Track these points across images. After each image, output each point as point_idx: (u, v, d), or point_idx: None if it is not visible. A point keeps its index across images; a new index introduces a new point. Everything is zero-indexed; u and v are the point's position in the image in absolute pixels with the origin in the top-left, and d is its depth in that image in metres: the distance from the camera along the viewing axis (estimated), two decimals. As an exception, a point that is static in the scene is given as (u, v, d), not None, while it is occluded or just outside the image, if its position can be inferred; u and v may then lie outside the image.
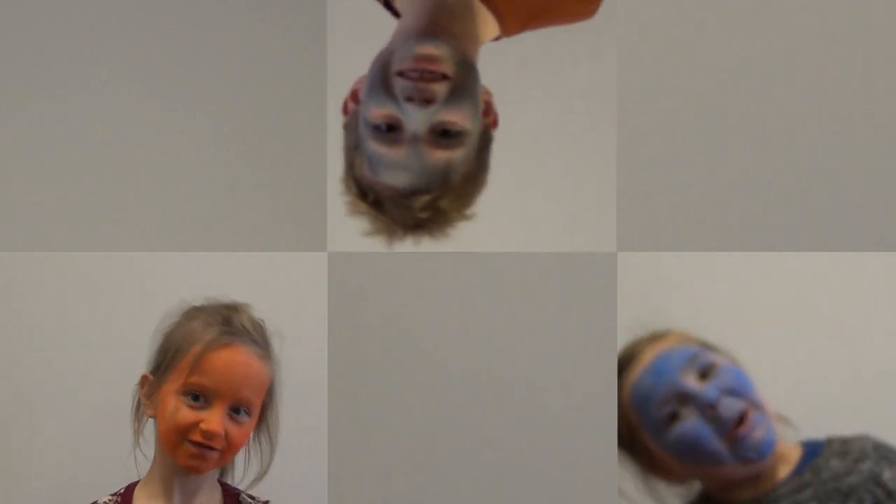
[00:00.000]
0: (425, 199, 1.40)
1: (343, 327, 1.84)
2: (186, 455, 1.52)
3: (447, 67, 1.36)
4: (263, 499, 1.63)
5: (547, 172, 1.91)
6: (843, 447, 1.56)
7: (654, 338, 1.60)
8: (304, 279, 1.87)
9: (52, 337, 1.85)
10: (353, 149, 1.45)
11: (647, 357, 1.58)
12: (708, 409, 1.51)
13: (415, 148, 1.38)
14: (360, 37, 1.88)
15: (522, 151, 1.85)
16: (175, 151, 1.86)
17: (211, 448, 1.51)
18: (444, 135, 1.38)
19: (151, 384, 1.56)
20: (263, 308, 1.89)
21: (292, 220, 1.84)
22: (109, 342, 1.82)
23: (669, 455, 1.55)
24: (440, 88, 1.36)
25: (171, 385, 1.53)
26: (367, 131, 1.41)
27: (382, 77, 1.38)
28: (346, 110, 1.48)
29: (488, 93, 1.46)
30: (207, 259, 1.87)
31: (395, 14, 1.53)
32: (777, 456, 1.55)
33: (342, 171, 1.48)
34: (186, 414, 1.51)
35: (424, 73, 1.35)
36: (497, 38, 1.51)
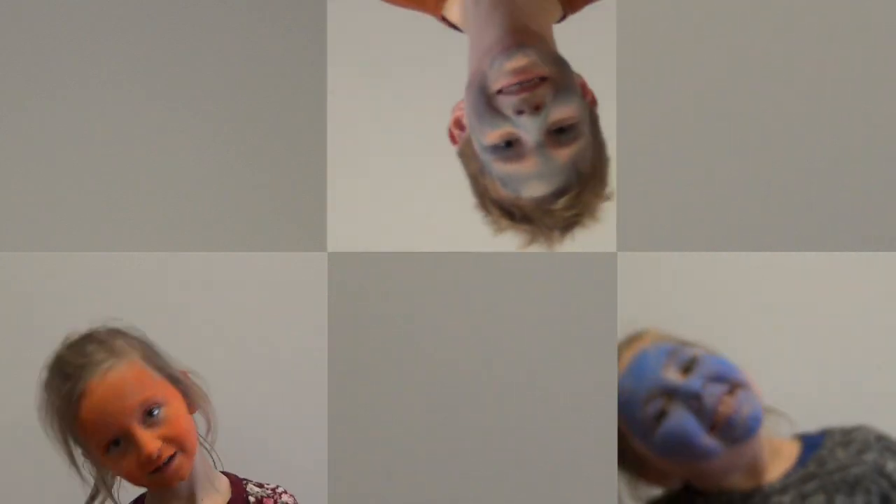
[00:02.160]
0: (568, 198, 1.43)
1: (343, 327, 1.84)
2: (156, 483, 1.50)
3: (542, 70, 1.39)
4: (272, 485, 1.62)
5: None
6: (845, 437, 1.55)
7: (630, 340, 1.59)
8: (304, 279, 1.87)
9: (51, 336, 1.85)
10: (480, 175, 1.47)
11: (625, 359, 1.56)
12: (693, 401, 1.49)
13: (541, 155, 1.41)
14: (360, 37, 1.88)
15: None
16: (175, 151, 1.85)
17: (169, 460, 1.48)
18: (559, 132, 1.39)
19: (91, 457, 1.52)
20: (263, 308, 1.90)
21: (292, 220, 1.84)
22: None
23: (659, 456, 1.53)
24: (545, 92, 1.39)
25: (95, 453, 1.49)
26: (488, 155, 1.43)
27: (485, 100, 1.40)
28: (454, 139, 1.51)
29: (579, 75, 1.48)
30: (207, 259, 1.87)
31: (452, 26, 1.54)
32: (771, 448, 1.54)
33: (475, 199, 1.50)
34: (126, 463, 1.47)
35: (524, 84, 1.36)
36: (562, 19, 1.52)
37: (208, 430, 1.57)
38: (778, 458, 1.55)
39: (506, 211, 1.47)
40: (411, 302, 1.89)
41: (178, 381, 1.53)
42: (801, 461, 1.53)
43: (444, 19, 1.56)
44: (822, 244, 1.87)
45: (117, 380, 1.48)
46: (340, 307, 1.84)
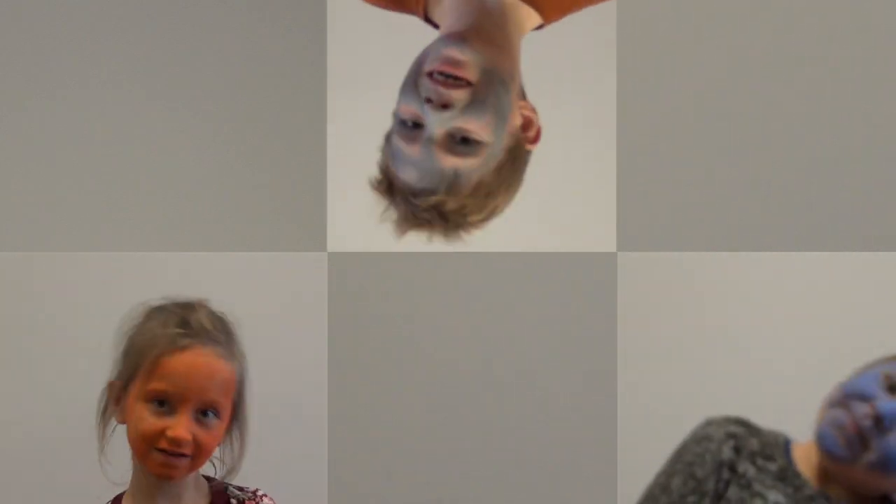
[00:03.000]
0: (430, 200, 1.42)
1: (343, 327, 1.84)
2: (156, 464, 1.48)
3: (471, 74, 1.39)
4: (252, 488, 1.62)
5: (547, 172, 1.90)
6: None
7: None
8: (304, 279, 1.87)
9: (50, 336, 1.85)
10: (387, 140, 1.47)
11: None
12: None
13: (428, 149, 1.41)
14: (360, 37, 1.88)
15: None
16: (175, 151, 1.86)
17: (180, 455, 1.48)
18: (462, 142, 1.40)
19: (119, 390, 1.51)
20: (263, 308, 1.90)
21: (292, 220, 1.84)
22: (108, 343, 1.82)
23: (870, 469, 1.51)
24: (460, 95, 1.38)
25: (136, 391, 1.48)
26: (396, 125, 1.45)
27: (414, 76, 1.41)
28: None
29: (530, 108, 1.47)
30: (208, 259, 1.87)
31: (435, 26, 1.54)
32: None
33: (378, 160, 1.50)
34: (152, 422, 1.46)
35: (448, 79, 1.37)
36: (539, 27, 1.52)
37: (226, 472, 1.57)
38: None
39: (383, 178, 1.47)
40: (411, 302, 1.90)
41: (237, 418, 1.55)
42: None
43: (426, 18, 1.56)
44: (822, 244, 1.87)
45: (219, 369, 1.49)
46: (340, 307, 1.84)
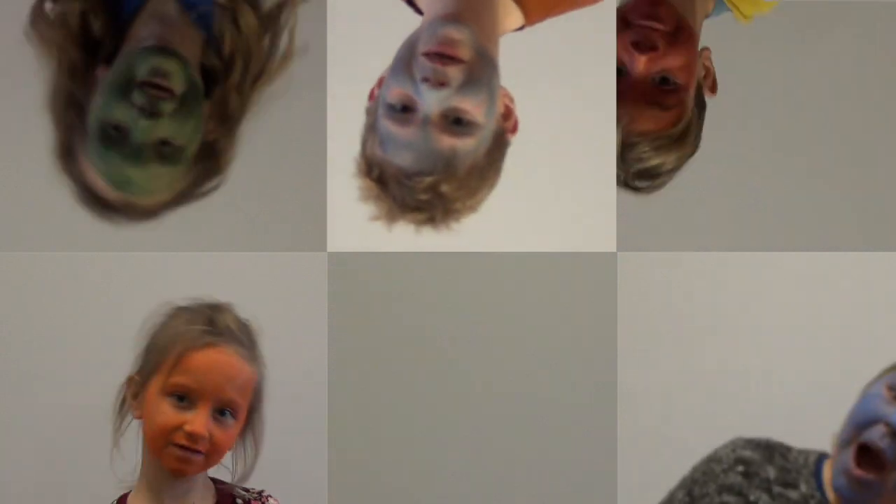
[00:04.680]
0: (427, 181, 1.42)
1: (343, 327, 1.84)
2: (171, 458, 1.50)
3: (465, 52, 1.39)
4: (258, 489, 1.63)
5: (547, 172, 1.91)
6: None
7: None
8: (304, 279, 1.87)
9: (49, 337, 1.85)
10: (370, 130, 1.47)
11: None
12: None
13: (424, 130, 1.40)
14: (360, 36, 1.88)
15: (522, 152, 1.85)
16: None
17: (196, 451, 1.49)
18: (456, 122, 1.40)
19: (137, 384, 1.53)
20: (263, 308, 1.89)
21: (292, 220, 1.84)
22: (107, 342, 1.82)
23: None
24: (455, 73, 1.38)
25: (156, 385, 1.50)
26: (383, 110, 1.44)
27: (407, 58, 1.41)
28: (371, 96, 1.51)
29: (509, 97, 1.48)
30: (208, 259, 1.88)
31: (418, 11, 1.55)
32: None
33: (358, 153, 1.49)
34: (170, 415, 1.48)
35: (444, 57, 1.38)
36: (521, 28, 1.52)
37: (239, 476, 1.58)
38: None
39: (370, 168, 1.47)
40: (411, 302, 1.90)
41: (252, 422, 1.56)
42: None
43: (409, 2, 1.57)
44: (822, 244, 1.87)
45: (240, 370, 1.51)
46: (340, 307, 1.84)
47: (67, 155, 1.51)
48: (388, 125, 1.43)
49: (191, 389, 1.48)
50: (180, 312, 1.55)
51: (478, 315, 1.76)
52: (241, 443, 1.56)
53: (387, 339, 1.90)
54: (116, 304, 1.86)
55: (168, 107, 1.44)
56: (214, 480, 1.60)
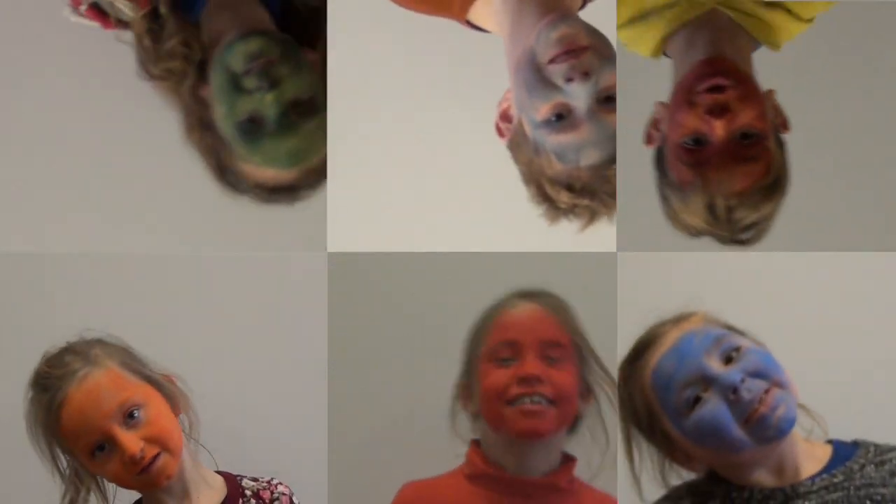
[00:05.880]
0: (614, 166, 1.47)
1: (343, 327, 1.84)
2: (146, 484, 1.50)
3: (585, 40, 1.43)
4: (266, 478, 1.63)
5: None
6: (879, 455, 1.51)
7: (679, 319, 1.56)
8: (304, 279, 1.87)
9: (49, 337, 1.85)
10: (535, 156, 1.49)
11: (671, 339, 1.53)
12: (730, 393, 1.46)
13: (594, 121, 1.44)
14: (360, 36, 1.88)
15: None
16: (175, 151, 1.85)
17: (153, 460, 1.48)
18: (608, 100, 1.43)
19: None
20: (263, 308, 1.90)
21: (292, 220, 1.84)
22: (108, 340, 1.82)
23: (688, 440, 1.51)
24: (591, 60, 1.42)
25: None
26: (541, 131, 1.46)
27: (536, 74, 1.44)
28: (501, 133, 1.53)
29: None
30: (207, 259, 1.88)
31: (477, 29, 1.56)
32: (801, 450, 1.51)
33: (525, 185, 1.52)
34: (110, 467, 1.49)
35: (571, 53, 1.41)
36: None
37: (191, 428, 1.57)
38: (808, 460, 1.52)
39: (565, 185, 1.48)
40: (411, 302, 1.90)
41: (158, 384, 1.55)
42: (829, 468, 1.50)
43: (468, 23, 1.57)
44: (822, 244, 1.87)
45: (93, 385, 1.50)
46: (340, 307, 1.84)
47: (224, 173, 1.58)
48: (557, 139, 1.45)
49: (94, 437, 1.48)
50: (30, 401, 1.54)
51: (478, 315, 1.76)
52: (174, 411, 1.55)
53: (387, 339, 1.90)
54: (118, 305, 1.86)
55: (279, 70, 1.49)
56: (222, 473, 1.61)
